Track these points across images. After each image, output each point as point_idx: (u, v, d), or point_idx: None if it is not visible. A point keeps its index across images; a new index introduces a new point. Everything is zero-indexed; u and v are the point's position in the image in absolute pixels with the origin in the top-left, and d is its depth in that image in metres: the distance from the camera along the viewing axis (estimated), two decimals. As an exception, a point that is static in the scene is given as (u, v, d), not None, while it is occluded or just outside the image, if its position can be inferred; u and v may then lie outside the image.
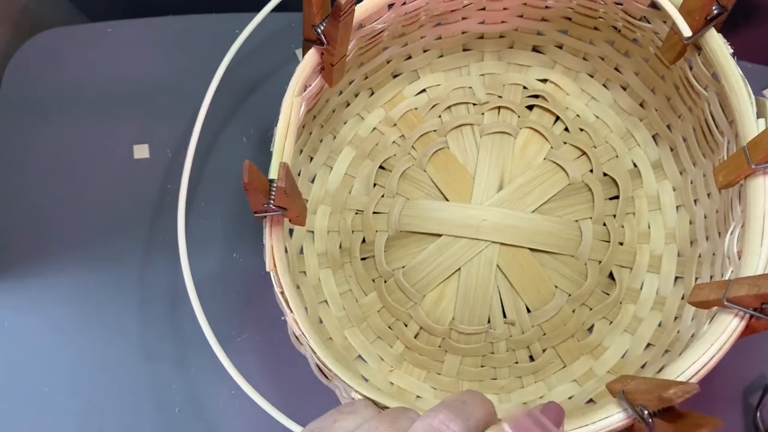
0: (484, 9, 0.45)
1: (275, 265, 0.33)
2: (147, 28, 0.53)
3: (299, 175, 0.45)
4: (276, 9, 0.52)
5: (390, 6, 0.38)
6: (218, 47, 0.46)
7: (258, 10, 0.52)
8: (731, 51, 0.34)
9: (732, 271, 0.34)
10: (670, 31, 0.37)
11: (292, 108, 0.34)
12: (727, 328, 0.30)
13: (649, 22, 0.39)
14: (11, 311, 0.48)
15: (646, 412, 0.27)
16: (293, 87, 0.35)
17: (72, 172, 0.50)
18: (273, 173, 0.32)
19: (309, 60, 0.35)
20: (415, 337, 0.46)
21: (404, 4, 0.39)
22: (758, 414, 0.43)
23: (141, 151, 0.50)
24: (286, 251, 0.36)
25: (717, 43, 0.34)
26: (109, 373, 0.46)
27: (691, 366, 0.29)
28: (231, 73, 0.52)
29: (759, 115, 0.33)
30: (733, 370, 0.44)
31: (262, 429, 0.45)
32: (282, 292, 0.33)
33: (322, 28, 0.33)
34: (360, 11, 0.36)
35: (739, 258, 0.33)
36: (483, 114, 0.49)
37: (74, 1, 0.60)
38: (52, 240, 0.49)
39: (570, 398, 0.43)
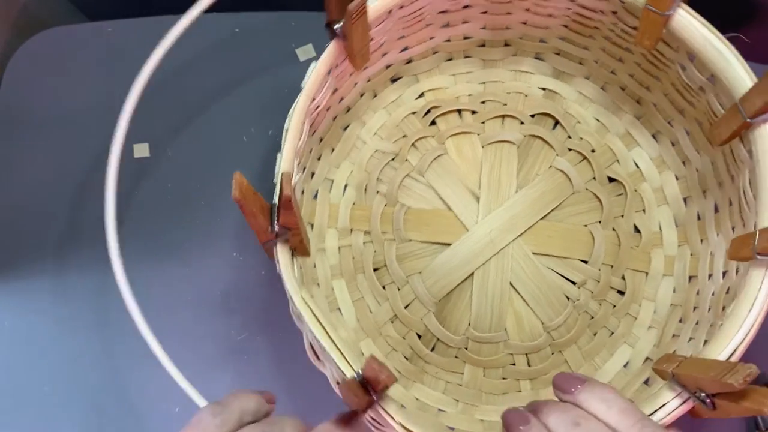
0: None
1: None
2: (147, 28, 0.53)
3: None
4: (275, 9, 0.52)
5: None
6: (218, 46, 0.46)
7: (257, 9, 0.52)
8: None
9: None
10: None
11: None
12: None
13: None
14: (11, 311, 0.48)
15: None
16: (290, 285, 0.33)
17: (72, 172, 0.50)
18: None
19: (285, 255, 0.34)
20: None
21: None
22: (759, 413, 0.43)
23: (141, 150, 0.50)
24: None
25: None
26: (109, 372, 0.46)
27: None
28: (231, 73, 0.52)
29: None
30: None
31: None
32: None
33: (277, 226, 0.33)
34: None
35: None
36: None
37: (74, 1, 0.60)
38: (53, 240, 0.49)
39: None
